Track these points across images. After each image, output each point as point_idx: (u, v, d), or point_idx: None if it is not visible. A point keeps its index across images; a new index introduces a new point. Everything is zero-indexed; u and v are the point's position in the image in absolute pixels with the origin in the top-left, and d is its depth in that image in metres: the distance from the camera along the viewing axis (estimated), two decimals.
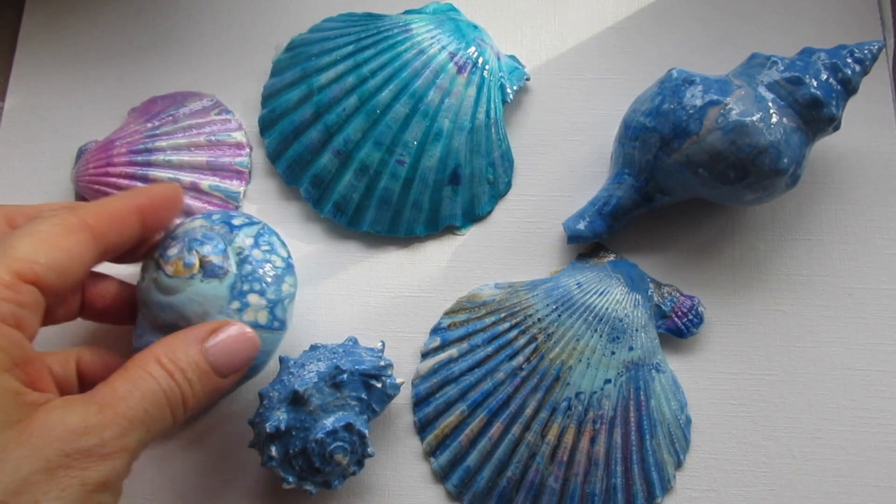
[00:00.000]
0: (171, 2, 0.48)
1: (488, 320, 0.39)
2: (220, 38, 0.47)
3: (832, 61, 0.38)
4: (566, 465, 0.37)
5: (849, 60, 0.38)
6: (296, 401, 0.34)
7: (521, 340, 0.38)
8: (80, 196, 0.43)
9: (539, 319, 0.39)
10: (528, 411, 0.37)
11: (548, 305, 0.39)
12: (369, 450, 0.36)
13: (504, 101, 0.43)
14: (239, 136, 0.45)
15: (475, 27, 0.43)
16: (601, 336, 0.38)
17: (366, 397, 0.36)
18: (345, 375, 0.35)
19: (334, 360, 0.36)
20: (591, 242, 0.41)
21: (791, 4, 0.46)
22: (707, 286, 0.41)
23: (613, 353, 0.37)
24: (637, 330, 0.38)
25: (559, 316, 0.38)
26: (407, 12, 0.45)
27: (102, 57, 0.47)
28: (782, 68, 0.38)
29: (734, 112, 0.36)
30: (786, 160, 0.36)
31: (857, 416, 0.39)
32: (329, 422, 0.35)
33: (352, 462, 0.36)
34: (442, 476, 0.38)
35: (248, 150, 0.45)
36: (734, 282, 0.41)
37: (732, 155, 0.36)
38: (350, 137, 0.42)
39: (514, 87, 0.44)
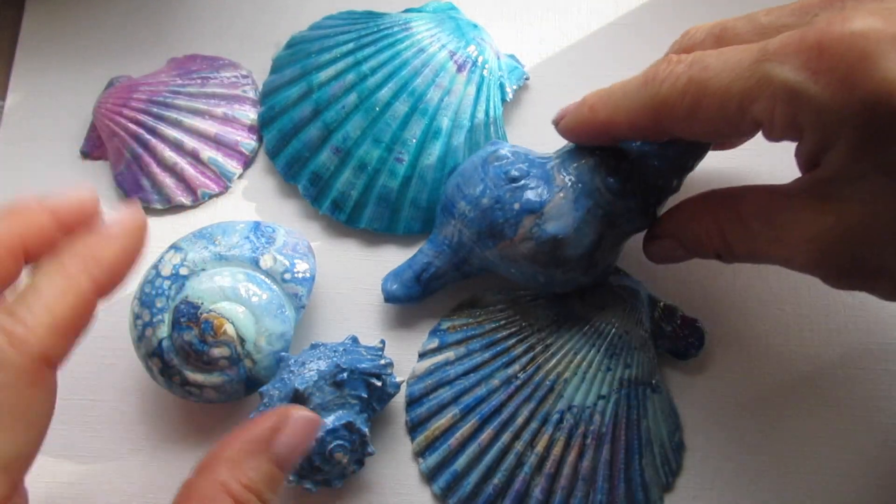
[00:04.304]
0: (172, 1, 0.48)
1: (488, 326, 0.39)
2: (220, 37, 0.47)
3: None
4: (552, 477, 0.37)
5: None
6: (296, 399, 0.35)
7: (519, 349, 0.38)
8: (93, 124, 0.45)
9: (538, 329, 0.39)
10: (520, 420, 0.37)
11: (548, 316, 0.39)
12: (370, 448, 0.36)
13: (503, 100, 0.43)
14: (255, 120, 0.45)
15: (475, 26, 0.43)
16: (598, 351, 0.38)
17: (366, 396, 0.36)
18: (345, 374, 0.35)
19: (335, 359, 0.36)
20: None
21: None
22: (710, 307, 0.41)
23: (609, 369, 0.37)
24: (636, 348, 0.38)
25: (559, 328, 0.38)
26: (407, 11, 0.45)
27: (103, 55, 0.47)
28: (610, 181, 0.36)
29: (549, 225, 0.35)
30: (594, 271, 0.37)
31: (857, 415, 0.39)
32: (329, 420, 0.35)
33: (352, 461, 0.36)
34: (429, 477, 0.38)
35: (258, 136, 0.45)
36: (737, 301, 0.41)
37: (543, 259, 0.36)
38: (349, 135, 0.42)
39: (514, 87, 0.44)
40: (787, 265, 0.30)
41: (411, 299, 0.40)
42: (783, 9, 0.30)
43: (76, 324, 0.24)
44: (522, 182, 0.36)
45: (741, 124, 0.28)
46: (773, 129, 0.28)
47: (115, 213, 0.27)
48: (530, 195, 0.35)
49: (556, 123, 0.37)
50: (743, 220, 0.31)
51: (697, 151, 0.37)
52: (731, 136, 0.30)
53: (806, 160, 0.29)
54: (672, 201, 0.37)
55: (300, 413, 0.28)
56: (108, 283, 0.25)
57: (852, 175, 0.27)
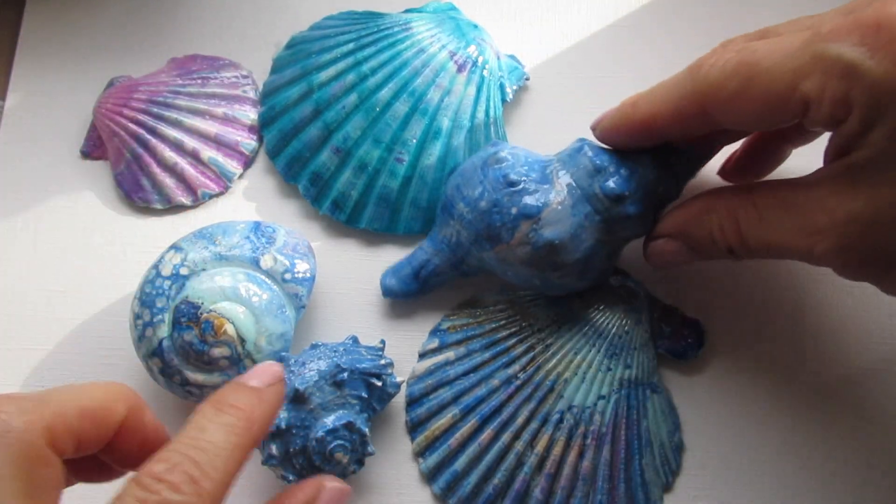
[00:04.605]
0: (172, 1, 0.48)
1: (488, 326, 0.39)
2: (220, 37, 0.47)
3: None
4: (552, 477, 0.37)
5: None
6: (297, 399, 0.35)
7: (519, 349, 0.38)
8: (94, 124, 0.45)
9: (539, 330, 0.39)
10: (520, 420, 0.37)
11: (548, 316, 0.39)
12: (370, 448, 0.36)
13: (503, 101, 0.43)
14: (255, 120, 0.45)
15: (475, 26, 0.43)
16: (598, 351, 0.38)
17: (366, 396, 0.36)
18: (345, 374, 0.35)
19: (335, 359, 0.36)
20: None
21: (794, 5, 0.46)
22: (711, 307, 0.41)
23: (610, 369, 0.37)
24: (636, 348, 0.38)
25: (559, 328, 0.38)
26: (407, 11, 0.45)
27: (103, 55, 0.47)
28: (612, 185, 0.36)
29: (546, 230, 0.35)
30: (590, 276, 0.37)
31: (858, 415, 0.39)
32: (329, 420, 0.35)
33: (352, 461, 0.36)
34: (429, 477, 0.38)
35: (258, 136, 0.45)
36: (737, 302, 0.41)
37: (539, 263, 0.36)
38: (349, 135, 0.42)
39: (514, 87, 0.44)
40: (804, 256, 0.30)
41: (408, 295, 0.40)
42: (828, 12, 0.30)
43: (235, 478, 0.24)
44: (521, 186, 0.36)
45: (790, 104, 0.28)
46: (821, 107, 0.27)
47: (263, 368, 0.27)
48: (528, 200, 0.35)
49: (595, 128, 0.36)
50: (760, 211, 0.31)
51: (699, 158, 0.37)
52: (776, 119, 0.30)
53: (842, 144, 0.28)
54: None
55: (332, 484, 0.27)
56: (257, 443, 0.25)
57: (893, 156, 0.27)
